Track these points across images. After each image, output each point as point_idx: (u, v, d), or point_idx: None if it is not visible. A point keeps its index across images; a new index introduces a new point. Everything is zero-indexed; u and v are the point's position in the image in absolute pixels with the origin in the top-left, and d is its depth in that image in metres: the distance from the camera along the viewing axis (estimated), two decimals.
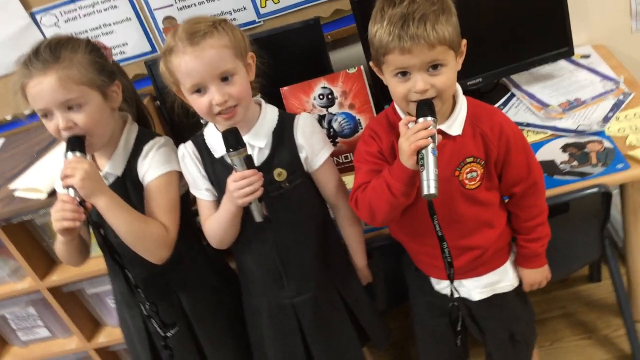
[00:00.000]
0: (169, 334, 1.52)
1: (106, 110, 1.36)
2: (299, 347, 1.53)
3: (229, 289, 1.59)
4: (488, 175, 1.32)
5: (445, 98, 1.24)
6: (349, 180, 1.49)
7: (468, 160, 1.29)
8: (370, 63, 1.29)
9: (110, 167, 1.41)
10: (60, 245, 1.43)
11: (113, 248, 1.42)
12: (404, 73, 1.19)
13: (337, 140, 1.85)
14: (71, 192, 1.27)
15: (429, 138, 1.15)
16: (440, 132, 1.24)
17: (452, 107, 1.29)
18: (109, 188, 1.34)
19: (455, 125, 1.28)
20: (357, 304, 1.56)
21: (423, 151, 1.15)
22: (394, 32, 1.15)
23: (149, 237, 1.36)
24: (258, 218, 1.31)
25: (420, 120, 1.17)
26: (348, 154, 1.85)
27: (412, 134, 1.16)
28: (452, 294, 1.43)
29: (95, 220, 1.40)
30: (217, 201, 1.40)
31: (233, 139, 1.25)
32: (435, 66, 1.18)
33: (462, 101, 1.30)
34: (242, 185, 1.25)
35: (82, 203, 1.28)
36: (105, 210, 1.32)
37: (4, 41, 2.02)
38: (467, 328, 1.57)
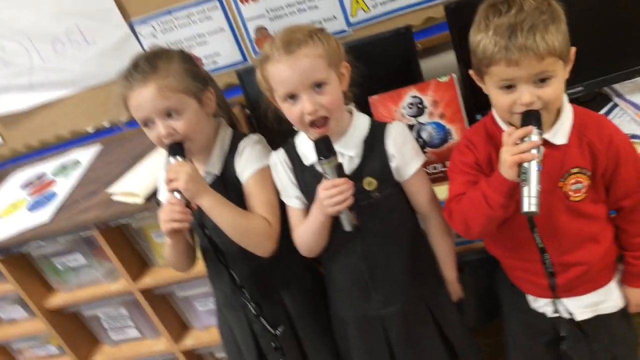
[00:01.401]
0: (278, 332, 1.54)
1: (202, 116, 1.41)
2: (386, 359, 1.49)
3: (322, 292, 1.59)
4: (595, 187, 1.25)
5: (552, 110, 1.18)
6: (439, 190, 1.45)
7: (573, 170, 1.23)
8: (470, 71, 1.25)
9: (208, 167, 1.45)
10: (169, 250, 1.47)
11: (217, 248, 1.47)
12: (509, 85, 1.15)
13: (425, 150, 1.80)
14: (177, 195, 1.32)
15: (534, 151, 1.10)
16: (544, 141, 1.19)
17: (556, 115, 1.22)
18: (211, 188, 1.37)
19: (560, 134, 1.22)
20: (447, 319, 1.51)
21: (526, 165, 1.10)
22: (500, 43, 1.11)
23: (253, 231, 1.39)
24: (347, 227, 1.30)
25: (524, 129, 1.11)
26: (437, 165, 1.81)
27: (515, 146, 1.11)
28: (555, 309, 1.35)
29: (200, 222, 1.45)
30: (307, 209, 1.40)
31: (325, 147, 1.25)
32: (543, 78, 1.12)
33: (568, 109, 1.23)
34: (333, 194, 1.25)
35: (187, 205, 1.33)
36: (210, 209, 1.36)
37: (106, 51, 2.12)
38: (567, 349, 1.48)
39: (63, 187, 2.07)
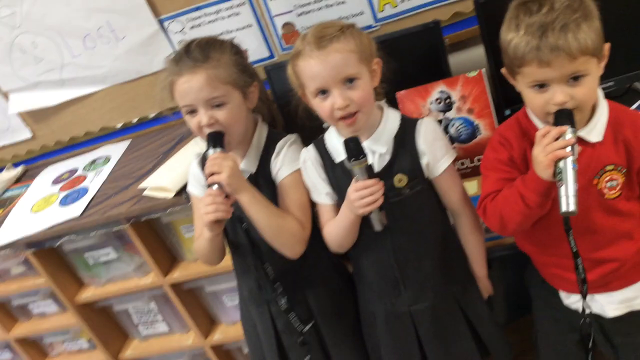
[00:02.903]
0: (305, 329, 1.55)
1: (244, 109, 1.42)
2: (415, 356, 1.50)
3: (349, 291, 1.59)
4: (629, 184, 1.24)
5: (586, 108, 1.17)
6: (468, 186, 1.45)
7: (608, 168, 1.21)
8: (503, 70, 1.24)
9: (244, 164, 1.46)
10: (205, 243, 1.46)
11: (255, 242, 1.48)
12: (542, 85, 1.14)
13: (454, 145, 1.80)
14: (215, 187, 1.33)
15: (568, 149, 1.09)
16: (578, 138, 1.18)
17: (592, 111, 1.21)
18: (251, 185, 1.38)
19: (595, 131, 1.20)
20: (477, 316, 1.51)
21: (561, 164, 1.09)
22: (532, 43, 1.10)
23: (287, 231, 1.40)
24: (378, 227, 1.31)
25: (558, 129, 1.10)
26: (464, 160, 1.80)
27: (549, 144, 1.10)
28: (583, 310, 1.34)
29: (238, 215, 1.45)
30: (337, 205, 1.40)
31: (355, 148, 1.26)
32: (576, 77, 1.11)
33: (603, 105, 1.22)
34: (364, 195, 1.26)
35: (227, 196, 1.34)
36: (248, 205, 1.37)
37: (135, 47, 2.14)
38: (597, 346, 1.47)
39: (94, 182, 2.10)
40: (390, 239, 1.39)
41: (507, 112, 1.74)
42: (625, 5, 1.64)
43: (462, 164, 1.80)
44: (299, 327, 1.54)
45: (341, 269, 1.64)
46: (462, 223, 1.45)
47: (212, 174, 1.33)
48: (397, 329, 1.49)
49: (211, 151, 1.35)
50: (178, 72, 1.35)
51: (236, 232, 1.51)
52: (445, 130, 1.78)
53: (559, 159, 1.09)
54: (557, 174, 1.09)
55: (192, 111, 1.38)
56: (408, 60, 1.80)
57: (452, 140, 1.79)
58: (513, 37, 1.13)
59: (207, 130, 1.37)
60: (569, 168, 1.08)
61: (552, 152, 1.09)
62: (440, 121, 1.78)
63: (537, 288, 1.50)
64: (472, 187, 1.68)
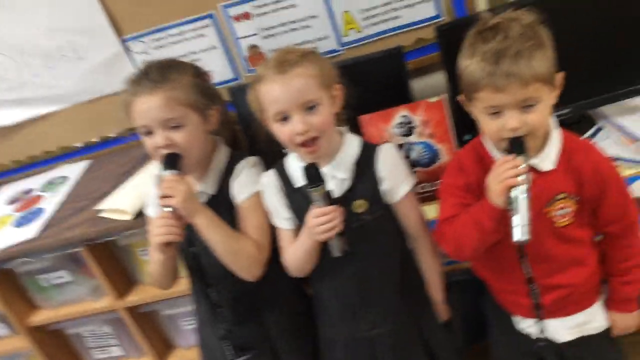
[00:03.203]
0: (242, 358, 1.53)
1: (202, 132, 1.41)
2: None
3: (309, 315, 1.58)
4: (580, 213, 1.26)
5: (539, 135, 1.19)
6: (428, 209, 1.46)
7: (560, 196, 1.24)
8: (459, 97, 1.26)
9: (203, 186, 1.45)
10: (156, 267, 1.44)
11: (200, 266, 1.46)
12: (496, 111, 1.16)
13: (415, 169, 1.81)
14: (168, 209, 1.31)
15: (519, 178, 1.10)
16: (530, 166, 1.20)
17: (545, 140, 1.24)
18: (207, 208, 1.37)
19: (547, 160, 1.23)
20: (436, 341, 1.51)
21: (513, 193, 1.11)
22: (487, 69, 1.12)
23: (244, 254, 1.39)
24: (336, 253, 1.31)
25: (514, 161, 1.12)
26: (425, 184, 1.82)
27: (501, 173, 1.12)
28: (540, 334, 1.36)
29: (188, 239, 1.44)
30: (298, 230, 1.40)
31: (313, 174, 1.26)
32: (529, 104, 1.13)
33: (556, 134, 1.25)
34: (322, 222, 1.26)
35: (179, 219, 1.32)
36: (204, 229, 1.36)
37: (97, 67, 2.11)
38: None
39: (50, 203, 2.05)
40: (350, 265, 1.39)
41: (467, 137, 1.76)
42: (582, 34, 1.70)
43: (423, 187, 1.82)
44: (230, 356, 1.52)
45: (301, 291, 1.63)
46: (420, 247, 1.46)
47: (165, 197, 1.31)
48: (357, 354, 1.48)
49: (166, 173, 1.34)
50: (135, 92, 1.35)
51: (187, 255, 1.49)
52: (407, 154, 1.80)
53: (511, 187, 1.11)
54: (510, 202, 1.11)
55: (149, 132, 1.36)
56: (371, 84, 1.81)
57: (414, 164, 1.81)
58: (469, 63, 1.16)
59: (163, 152, 1.35)
60: (521, 197, 1.10)
61: (504, 180, 1.11)
62: (401, 145, 1.80)
63: (492, 313, 1.51)
64: (432, 210, 1.69)
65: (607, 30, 1.71)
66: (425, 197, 1.79)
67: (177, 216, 1.32)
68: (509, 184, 1.11)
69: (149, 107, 1.33)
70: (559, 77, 1.19)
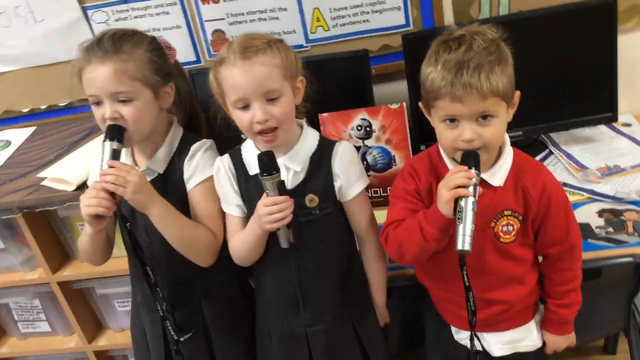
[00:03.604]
0: (182, 339, 1.50)
1: (154, 109, 1.37)
2: None
3: (249, 305, 1.56)
4: (524, 231, 1.29)
5: (492, 149, 1.22)
6: (379, 214, 1.47)
7: (506, 213, 1.27)
8: (420, 103, 1.28)
9: (151, 163, 1.41)
10: (86, 239, 1.40)
11: (137, 244, 1.43)
12: (453, 120, 1.18)
13: (369, 173, 1.83)
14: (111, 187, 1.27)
15: (470, 189, 1.12)
16: (481, 181, 1.22)
17: (497, 156, 1.26)
18: (160, 197, 1.33)
19: (497, 176, 1.25)
20: (372, 343, 1.52)
21: (462, 203, 1.12)
22: (447, 79, 1.13)
23: (199, 243, 1.37)
24: (284, 244, 1.30)
25: (467, 172, 1.14)
26: (378, 189, 1.83)
27: (452, 180, 1.14)
28: (472, 343, 1.38)
29: (122, 214, 1.40)
30: (246, 218, 1.38)
31: (268, 163, 1.24)
32: (485, 116, 1.16)
33: (509, 152, 1.27)
34: (273, 211, 1.24)
35: (112, 194, 1.28)
36: (157, 220, 1.33)
37: (53, 31, 2.04)
38: None
39: None
40: (295, 258, 1.38)
41: (422, 147, 1.79)
42: (541, 61, 1.75)
43: (376, 192, 1.84)
44: (174, 335, 1.49)
45: (243, 281, 1.61)
46: (367, 249, 1.47)
47: (106, 175, 1.27)
48: (291, 349, 1.48)
49: (107, 144, 1.30)
50: (87, 60, 1.30)
51: (123, 231, 1.46)
52: (363, 157, 1.81)
53: (460, 197, 1.12)
54: (458, 212, 1.12)
55: (98, 102, 1.32)
56: (334, 84, 1.83)
57: (368, 168, 1.82)
58: (431, 71, 1.17)
59: (109, 123, 1.31)
60: (469, 208, 1.12)
61: (454, 188, 1.12)
62: (358, 148, 1.81)
63: (431, 321, 1.53)
64: (382, 216, 1.70)
65: (566, 60, 1.77)
66: (377, 202, 1.81)
67: (109, 190, 1.28)
68: (459, 193, 1.12)
69: (97, 76, 1.29)
70: (517, 95, 1.21)
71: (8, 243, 1.92)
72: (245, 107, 1.27)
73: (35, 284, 1.96)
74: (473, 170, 1.14)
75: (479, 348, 1.41)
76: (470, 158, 1.16)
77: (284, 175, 1.31)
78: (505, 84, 1.14)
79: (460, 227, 1.12)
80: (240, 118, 1.28)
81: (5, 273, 1.98)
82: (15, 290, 2.00)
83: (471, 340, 1.36)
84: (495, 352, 1.42)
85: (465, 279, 1.25)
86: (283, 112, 1.27)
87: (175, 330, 1.48)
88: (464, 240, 1.11)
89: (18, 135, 2.16)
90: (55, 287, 1.92)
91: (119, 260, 1.59)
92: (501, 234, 1.28)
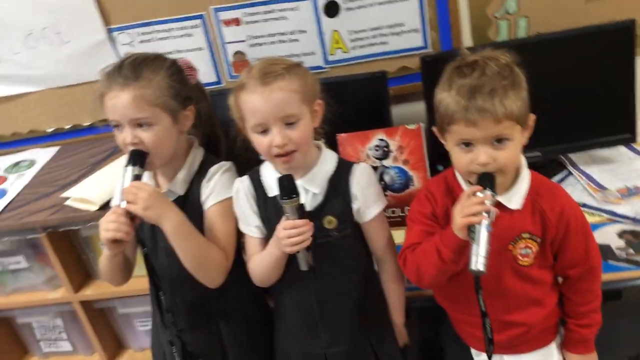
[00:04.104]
0: None
1: (173, 133, 1.39)
2: None
3: (268, 327, 1.56)
4: (543, 254, 1.29)
5: (508, 172, 1.22)
6: (396, 235, 1.47)
7: (524, 235, 1.26)
8: (434, 128, 1.28)
9: (172, 185, 1.43)
10: (105, 261, 1.43)
11: (153, 269, 1.44)
12: (468, 144, 1.18)
13: (386, 193, 1.83)
14: (124, 204, 1.30)
15: (484, 214, 1.12)
16: (498, 203, 1.22)
17: (514, 179, 1.26)
18: (178, 211, 1.35)
19: (515, 199, 1.25)
20: None
21: (477, 225, 1.13)
22: (461, 103, 1.14)
23: (210, 263, 1.38)
24: (303, 267, 1.31)
25: (479, 194, 1.14)
26: (395, 209, 1.83)
27: (467, 207, 1.14)
28: None
29: (141, 239, 1.43)
30: (265, 239, 1.39)
31: (288, 187, 1.25)
32: (500, 140, 1.16)
33: (526, 175, 1.27)
34: (292, 235, 1.25)
35: (132, 218, 1.30)
36: (172, 235, 1.33)
37: (79, 53, 2.09)
38: None
39: (14, 185, 2.01)
40: (314, 280, 1.39)
41: (440, 167, 1.79)
42: (561, 81, 1.75)
43: (393, 212, 1.83)
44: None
45: (262, 302, 1.62)
46: (385, 270, 1.47)
47: (128, 204, 1.30)
48: None
49: (129, 170, 1.32)
50: (108, 86, 1.33)
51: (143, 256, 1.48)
52: (380, 177, 1.81)
53: (473, 223, 1.13)
54: (471, 232, 1.13)
55: (119, 126, 1.35)
56: (352, 105, 1.83)
57: (386, 188, 1.82)
58: (445, 96, 1.18)
59: (131, 148, 1.34)
60: (483, 230, 1.12)
61: (468, 215, 1.13)
62: (376, 168, 1.81)
63: (450, 343, 1.53)
64: (400, 236, 1.70)
65: (585, 82, 1.77)
66: (394, 222, 1.80)
67: (130, 214, 1.30)
68: (472, 221, 1.12)
69: (118, 103, 1.32)
70: (531, 118, 1.22)
71: (32, 262, 1.95)
72: (264, 131, 1.28)
73: (57, 304, 1.98)
74: (488, 192, 1.15)
75: None
76: (486, 179, 1.17)
77: (302, 197, 1.32)
78: (519, 107, 1.15)
79: (474, 247, 1.12)
80: (259, 142, 1.30)
81: (28, 292, 2.01)
82: (38, 309, 2.03)
83: None
84: None
85: (482, 304, 1.25)
86: (301, 136, 1.28)
87: (180, 356, 1.49)
88: (477, 260, 1.11)
89: (43, 155, 2.21)
90: (77, 307, 1.94)
91: (140, 280, 1.59)
92: (519, 257, 1.27)
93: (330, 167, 1.38)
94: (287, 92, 1.26)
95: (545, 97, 1.71)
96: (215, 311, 1.52)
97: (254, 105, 1.26)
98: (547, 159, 1.90)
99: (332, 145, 1.74)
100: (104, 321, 2.03)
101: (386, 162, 1.81)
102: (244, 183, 1.42)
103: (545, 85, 1.73)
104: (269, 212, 1.38)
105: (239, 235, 1.46)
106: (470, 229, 1.13)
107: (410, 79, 1.99)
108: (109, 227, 1.29)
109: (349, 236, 1.38)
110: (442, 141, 1.27)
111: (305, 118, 1.30)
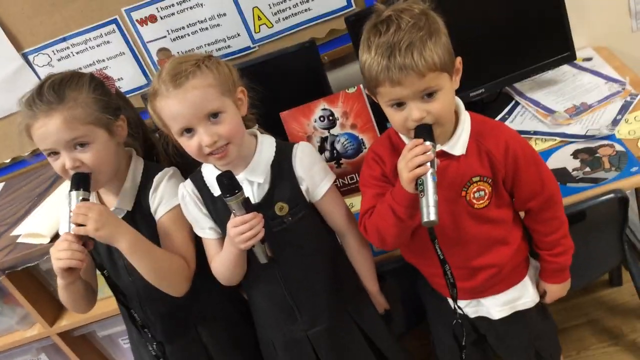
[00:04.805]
0: None
1: (112, 147, 1.34)
2: None
3: (247, 321, 1.55)
4: (497, 193, 1.28)
5: (445, 122, 1.19)
6: (356, 201, 1.46)
7: (474, 179, 1.25)
8: (366, 91, 1.25)
9: (119, 202, 1.39)
10: (62, 291, 1.38)
11: (117, 289, 1.41)
12: (399, 103, 1.16)
13: (341, 161, 1.81)
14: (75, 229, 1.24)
15: (427, 164, 1.11)
16: (443, 153, 1.21)
17: (455, 125, 1.24)
18: (130, 227, 1.31)
19: (458, 145, 1.23)
20: (374, 330, 1.51)
21: (422, 177, 1.11)
22: (382, 64, 1.11)
23: (173, 273, 1.35)
24: (262, 260, 1.28)
25: (423, 146, 1.12)
26: (353, 175, 1.82)
27: (411, 160, 1.12)
28: (455, 311, 1.38)
29: (99, 262, 1.39)
30: (222, 238, 1.36)
31: (228, 183, 1.21)
32: (429, 94, 1.13)
33: (465, 119, 1.25)
34: (243, 230, 1.22)
35: (84, 243, 1.26)
36: (129, 252, 1.29)
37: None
38: (493, 349, 1.53)
39: None
40: (279, 269, 1.37)
41: (389, 124, 1.76)
42: (487, 14, 1.72)
43: (352, 178, 1.82)
44: None
45: (236, 298, 1.60)
46: (348, 242, 1.45)
47: (78, 225, 1.25)
48: (298, 355, 1.47)
49: (74, 194, 1.27)
50: (32, 116, 1.26)
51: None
52: (332, 146, 1.79)
53: (419, 175, 1.11)
54: (419, 185, 1.11)
55: (55, 153, 1.29)
56: (289, 80, 1.81)
57: (339, 156, 1.80)
58: (367, 58, 1.15)
59: (72, 172, 1.29)
60: (429, 181, 1.11)
61: (413, 168, 1.11)
62: (326, 138, 1.79)
63: (427, 296, 1.53)
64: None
65: (514, 10, 1.74)
66: (354, 189, 1.79)
67: (80, 239, 1.25)
68: (417, 173, 1.11)
69: (48, 130, 1.25)
70: (458, 61, 1.19)
71: (0, 305, 1.91)
72: (191, 133, 1.23)
73: (36, 340, 1.95)
74: (428, 143, 1.13)
75: (479, 314, 1.43)
76: (424, 130, 1.15)
77: (247, 189, 1.29)
78: (441, 55, 1.12)
79: (423, 200, 1.11)
80: (188, 145, 1.25)
81: (5, 335, 1.97)
82: (19, 350, 2.00)
83: (454, 313, 1.37)
84: (495, 315, 1.42)
85: (439, 252, 1.25)
86: (230, 129, 1.24)
87: None
88: (428, 211, 1.10)
89: None
90: (57, 339, 1.91)
91: (111, 300, 1.56)
92: (474, 201, 1.26)
93: (270, 153, 1.34)
94: (203, 88, 1.21)
95: (477, 33, 1.70)
96: (190, 318, 1.50)
97: (171, 110, 1.21)
98: (493, 93, 1.88)
99: (277, 124, 1.71)
100: (87, 346, 2.01)
101: (334, 131, 1.79)
102: (187, 187, 1.37)
103: (475, 22, 1.70)
104: (219, 211, 1.34)
105: (197, 239, 1.43)
106: (418, 182, 1.12)
107: (341, 42, 1.95)
108: (60, 255, 1.24)
109: (304, 218, 1.36)
110: (377, 101, 1.24)
111: (229, 110, 1.25)
